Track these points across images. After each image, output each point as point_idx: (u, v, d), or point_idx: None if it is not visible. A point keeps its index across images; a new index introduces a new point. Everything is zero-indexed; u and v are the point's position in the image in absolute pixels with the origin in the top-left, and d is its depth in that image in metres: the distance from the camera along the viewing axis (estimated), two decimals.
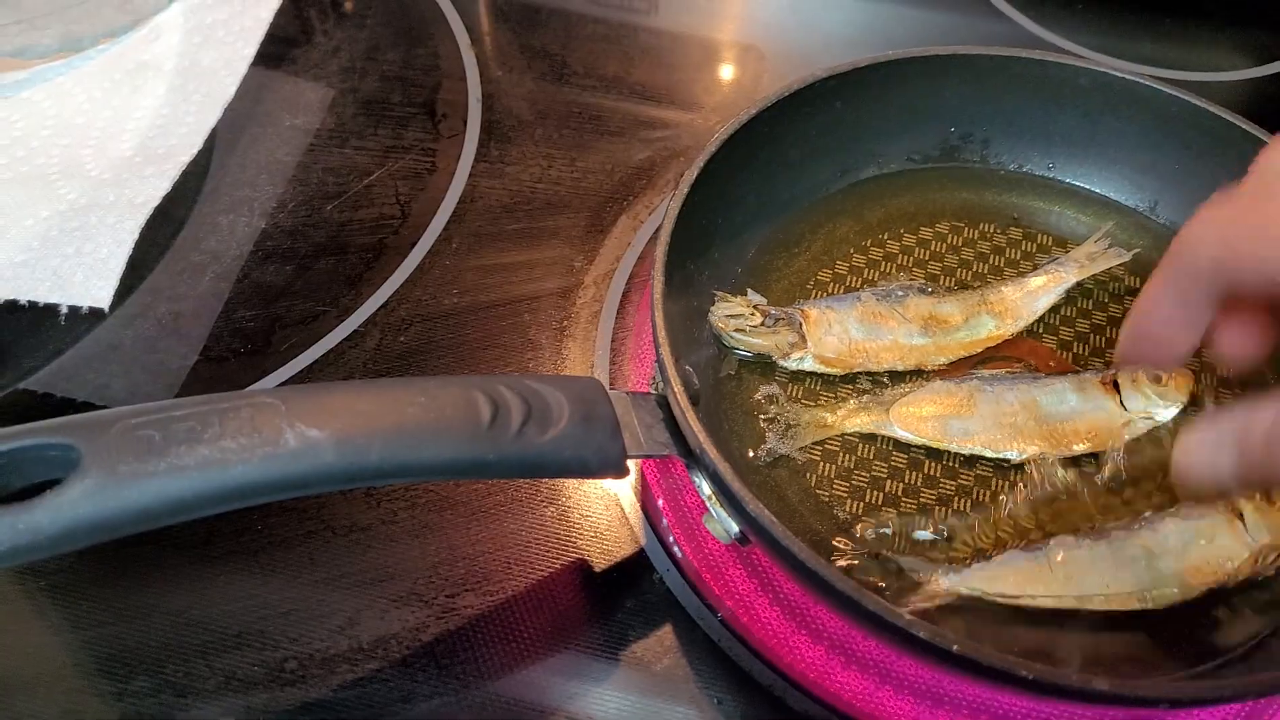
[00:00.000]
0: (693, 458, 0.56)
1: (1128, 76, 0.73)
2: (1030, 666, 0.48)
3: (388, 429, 0.49)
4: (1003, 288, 0.71)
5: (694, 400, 0.64)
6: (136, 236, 0.69)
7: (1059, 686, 0.48)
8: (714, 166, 0.67)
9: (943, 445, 0.65)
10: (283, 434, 0.47)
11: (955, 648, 0.49)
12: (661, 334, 0.58)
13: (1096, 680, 0.48)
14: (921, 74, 0.75)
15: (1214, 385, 0.68)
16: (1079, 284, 0.72)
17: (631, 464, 0.64)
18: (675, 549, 0.63)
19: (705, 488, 0.57)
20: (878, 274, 0.73)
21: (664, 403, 0.58)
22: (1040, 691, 0.49)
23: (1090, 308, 0.72)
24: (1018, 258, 0.75)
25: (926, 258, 0.74)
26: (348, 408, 0.49)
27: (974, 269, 0.74)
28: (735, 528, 0.56)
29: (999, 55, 0.75)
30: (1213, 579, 0.60)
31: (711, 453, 0.54)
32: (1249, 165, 0.69)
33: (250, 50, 0.79)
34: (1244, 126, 0.71)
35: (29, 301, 0.67)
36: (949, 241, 0.75)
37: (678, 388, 0.56)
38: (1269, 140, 0.69)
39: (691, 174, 0.65)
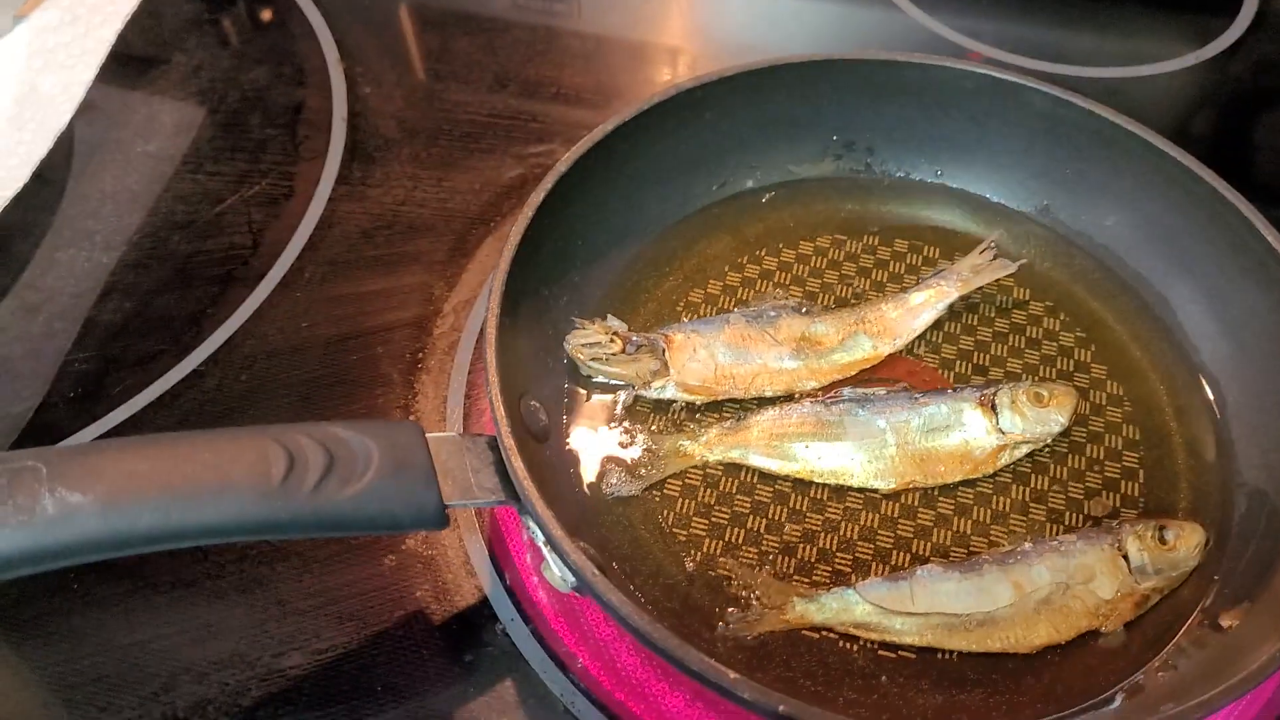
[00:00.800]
0: (520, 505, 0.53)
1: (1014, 80, 0.70)
2: None
3: (162, 490, 0.45)
4: (882, 305, 0.68)
5: (542, 437, 0.61)
6: None
7: None
8: (566, 187, 0.63)
9: (808, 476, 0.61)
10: (39, 500, 0.43)
11: (781, 708, 0.45)
12: (492, 371, 0.55)
13: None
14: (797, 81, 0.71)
15: (1101, 404, 0.65)
16: (964, 298, 0.68)
17: (469, 511, 0.61)
18: (526, 594, 0.59)
19: (539, 535, 0.53)
20: (752, 293, 0.70)
21: (494, 444, 0.54)
22: None
23: (975, 323, 0.69)
24: (902, 271, 0.71)
25: (805, 274, 0.71)
26: (118, 468, 0.45)
27: (854, 285, 0.70)
28: (572, 578, 0.53)
29: (878, 60, 0.72)
30: (1088, 622, 0.56)
31: (536, 501, 0.50)
32: (1138, 167, 0.67)
33: (89, 75, 0.74)
34: (1132, 129, 0.67)
35: None
36: (829, 256, 0.72)
37: (505, 429, 0.52)
38: (1157, 141, 0.66)
39: (537, 197, 0.61)
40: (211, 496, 0.46)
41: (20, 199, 0.69)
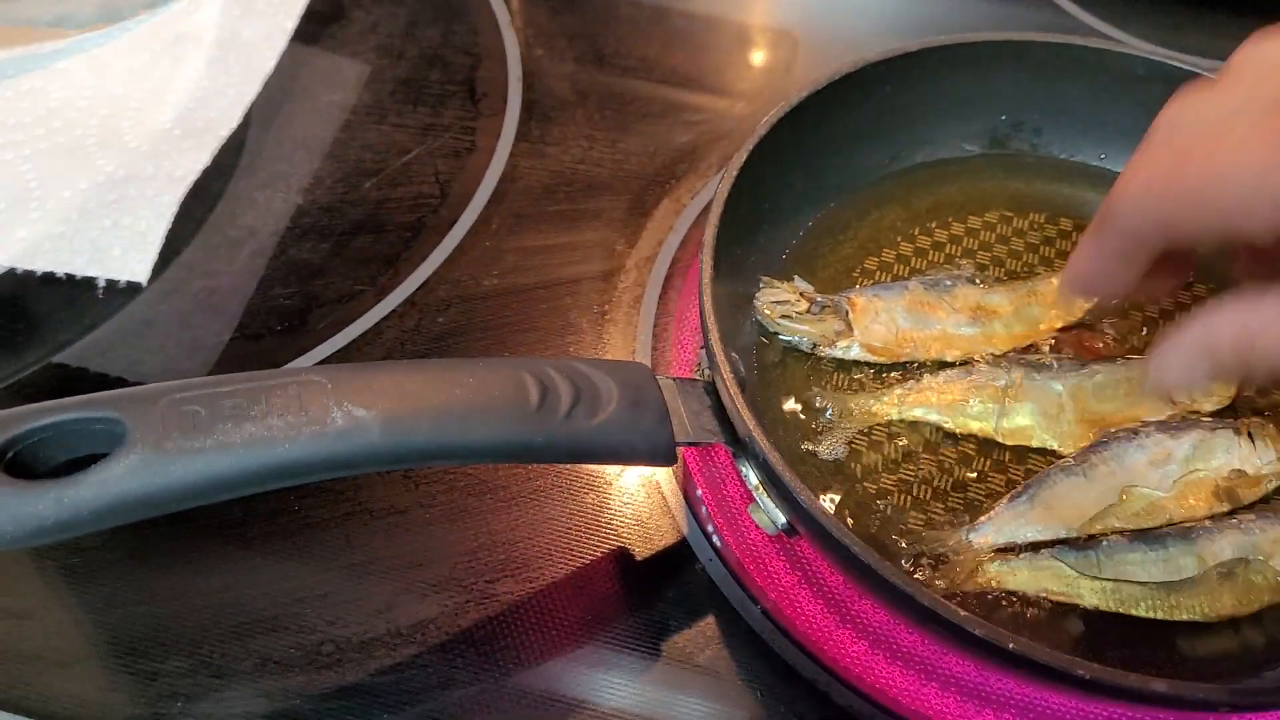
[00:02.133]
0: (740, 446, 0.55)
1: (1186, 67, 0.72)
2: (1088, 666, 0.47)
3: (435, 410, 0.48)
4: (1052, 279, 0.70)
5: (741, 387, 0.63)
6: (175, 210, 0.68)
7: (1116, 687, 0.47)
8: (763, 150, 0.65)
9: (988, 435, 0.64)
10: (330, 413, 0.46)
11: (1011, 645, 0.47)
12: (710, 319, 0.57)
13: (1154, 682, 0.46)
14: (972, 60, 0.73)
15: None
16: None
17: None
18: (716, 539, 0.62)
19: (753, 477, 0.56)
20: (925, 263, 0.72)
21: (711, 389, 0.57)
22: (1096, 692, 0.48)
23: (1141, 298, 0.70)
24: (1068, 249, 0.73)
25: (975, 247, 0.73)
26: (394, 388, 0.48)
27: (1023, 259, 0.72)
28: (783, 518, 0.55)
29: (1053, 42, 0.73)
30: (1270, 596, 0.58)
31: (761, 441, 0.53)
32: None
33: (290, 24, 0.77)
34: None
35: (66, 274, 0.66)
36: (998, 231, 0.74)
37: (726, 374, 0.55)
38: None
39: (741, 156, 0.64)
40: (478, 418, 0.49)
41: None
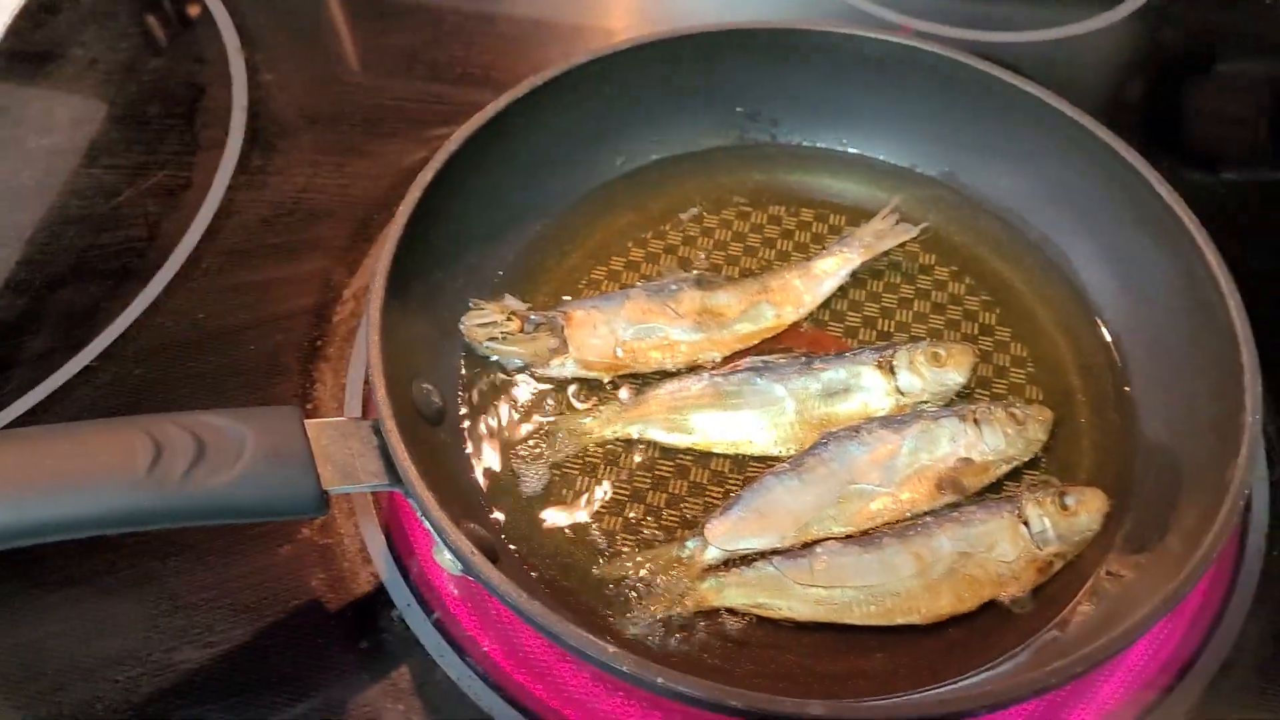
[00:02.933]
0: (404, 488, 0.52)
1: (913, 45, 0.69)
2: (740, 695, 0.44)
3: (21, 484, 0.44)
4: (785, 273, 0.67)
5: (435, 420, 0.60)
6: None
7: (773, 715, 0.44)
8: (457, 167, 0.62)
9: (708, 448, 0.61)
10: None
11: (660, 679, 0.45)
12: (374, 352, 0.54)
13: (811, 705, 0.44)
14: (696, 52, 0.71)
15: (1005, 366, 0.65)
16: (869, 265, 0.68)
17: (366, 498, 0.60)
18: (426, 580, 0.58)
19: (426, 520, 0.53)
20: (656, 268, 0.69)
21: (380, 428, 0.54)
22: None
23: (880, 289, 0.68)
24: (808, 240, 0.71)
25: (710, 246, 0.70)
26: None
27: (760, 255, 0.70)
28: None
29: (777, 29, 0.71)
30: (991, 590, 0.56)
31: (416, 483, 0.50)
32: (1036, 127, 0.67)
33: None
34: (1027, 89, 0.67)
35: None
36: (734, 228, 0.71)
37: (386, 410, 0.52)
38: (1053, 101, 0.66)
39: (425, 177, 0.61)
40: (73, 489, 0.45)
41: None
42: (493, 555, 0.51)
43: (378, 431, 0.53)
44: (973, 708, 0.45)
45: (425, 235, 0.60)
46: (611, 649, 0.45)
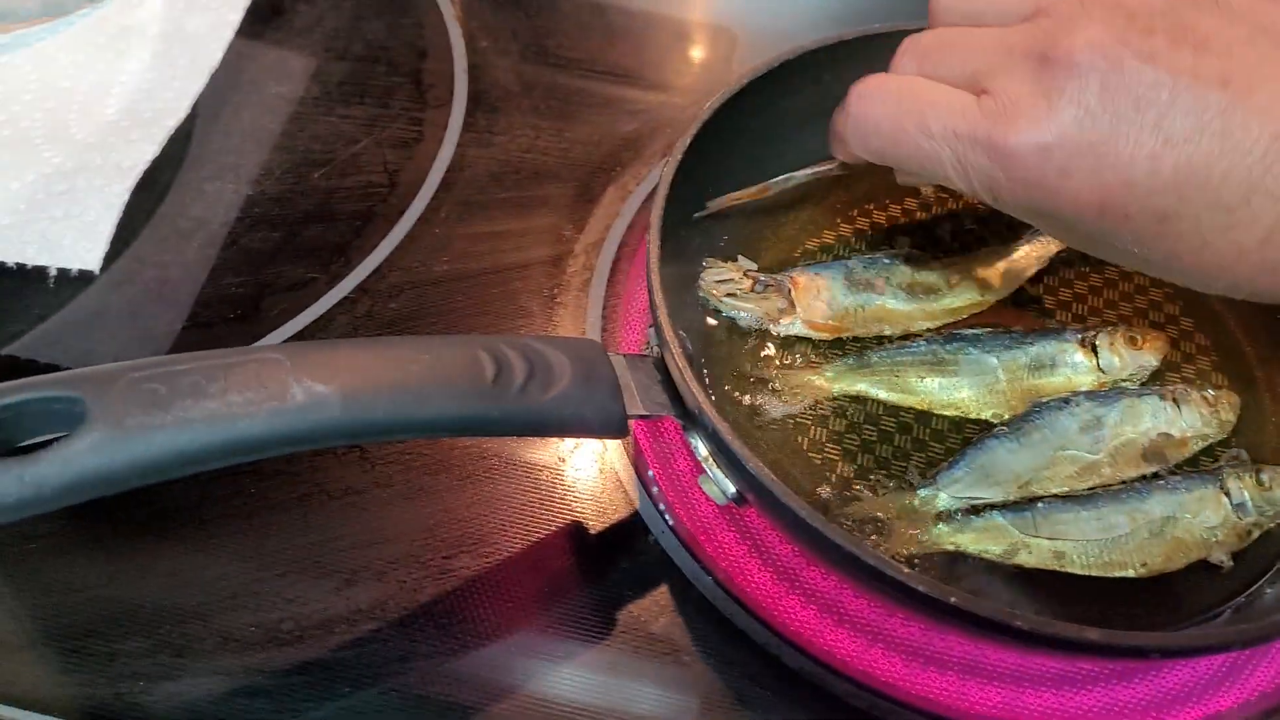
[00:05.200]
0: (690, 418, 0.57)
1: None
2: (1024, 618, 0.49)
3: (393, 385, 0.49)
4: (988, 256, 0.72)
5: (689, 363, 0.65)
6: (125, 200, 0.68)
7: (1052, 637, 0.49)
8: (706, 133, 0.67)
9: (927, 408, 0.66)
10: (289, 389, 0.47)
11: (953, 599, 0.49)
12: (658, 295, 0.59)
13: (1088, 631, 0.49)
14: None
15: (1191, 353, 0.70)
16: (1062, 254, 0.73)
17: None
18: (668, 512, 0.63)
19: (702, 449, 0.57)
20: (865, 243, 0.74)
21: (661, 365, 0.58)
22: (1034, 643, 0.50)
23: (1072, 277, 0.73)
24: (1003, 226, 0.76)
25: (914, 227, 0.75)
26: (352, 364, 0.49)
27: (961, 239, 0.75)
28: (732, 488, 0.57)
29: None
30: (1198, 552, 0.61)
31: (710, 412, 0.55)
32: None
33: (236, 16, 0.78)
34: None
35: (17, 264, 0.66)
36: (933, 211, 0.76)
37: (675, 348, 0.56)
38: None
39: (685, 140, 0.65)
40: (435, 393, 0.50)
41: None
42: None
43: (659, 368, 0.58)
44: (1234, 640, 0.50)
45: (677, 195, 0.65)
46: (907, 570, 0.50)
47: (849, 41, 0.73)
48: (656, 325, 0.58)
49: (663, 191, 0.63)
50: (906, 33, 0.73)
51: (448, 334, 0.68)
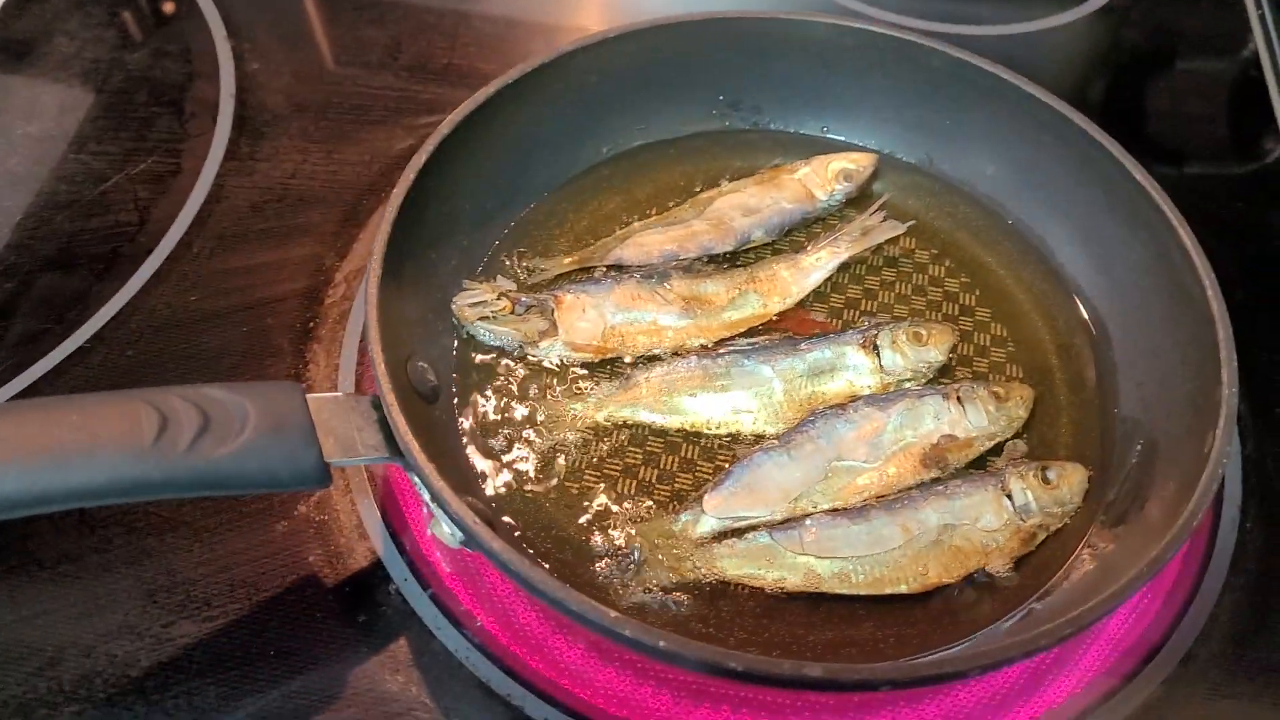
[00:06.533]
0: (404, 461, 0.53)
1: (890, 34, 0.71)
2: (740, 657, 0.45)
3: (28, 453, 0.45)
4: (773, 264, 0.69)
5: (431, 398, 0.61)
6: None
7: (770, 676, 0.45)
8: (449, 150, 0.63)
9: (699, 428, 0.62)
10: None
11: (661, 643, 0.46)
12: (373, 328, 0.55)
13: (808, 667, 0.45)
14: (679, 41, 0.72)
15: (985, 345, 0.66)
16: (855, 255, 0.69)
17: (361, 475, 0.61)
18: (421, 555, 0.59)
19: (424, 492, 0.53)
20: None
21: (379, 404, 0.54)
22: (752, 681, 0.47)
23: (863, 272, 0.70)
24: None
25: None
26: None
27: (751, 248, 0.71)
28: (460, 532, 0.53)
29: (759, 18, 0.72)
30: (976, 561, 0.57)
31: (417, 455, 0.50)
32: (1012, 114, 0.69)
33: None
34: (1003, 76, 0.68)
35: None
36: None
37: (386, 385, 0.52)
38: (1027, 87, 0.68)
39: (419, 160, 0.61)
40: (81, 458, 0.45)
41: None
42: (491, 527, 0.52)
43: (376, 406, 0.54)
44: (966, 668, 0.46)
45: (419, 217, 0.61)
46: (614, 614, 0.46)
47: (610, 40, 0.69)
48: (372, 361, 0.54)
49: (389, 217, 0.59)
50: (668, 26, 0.71)
51: (173, 385, 0.64)
